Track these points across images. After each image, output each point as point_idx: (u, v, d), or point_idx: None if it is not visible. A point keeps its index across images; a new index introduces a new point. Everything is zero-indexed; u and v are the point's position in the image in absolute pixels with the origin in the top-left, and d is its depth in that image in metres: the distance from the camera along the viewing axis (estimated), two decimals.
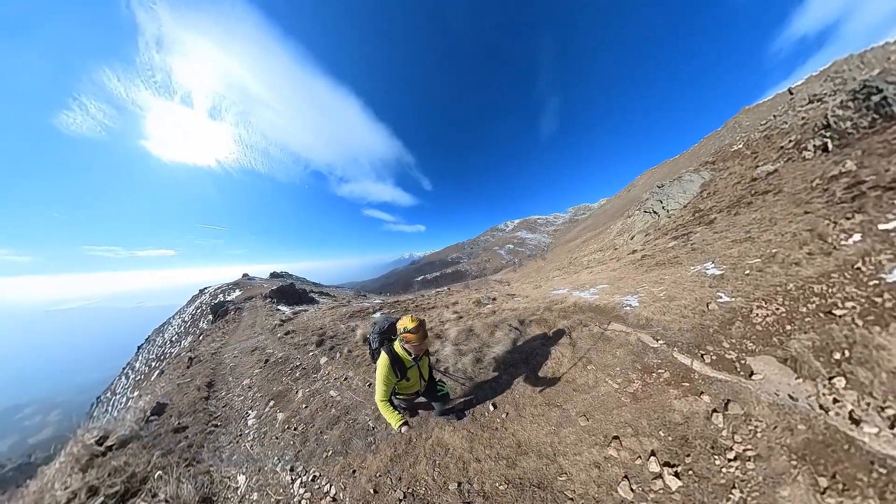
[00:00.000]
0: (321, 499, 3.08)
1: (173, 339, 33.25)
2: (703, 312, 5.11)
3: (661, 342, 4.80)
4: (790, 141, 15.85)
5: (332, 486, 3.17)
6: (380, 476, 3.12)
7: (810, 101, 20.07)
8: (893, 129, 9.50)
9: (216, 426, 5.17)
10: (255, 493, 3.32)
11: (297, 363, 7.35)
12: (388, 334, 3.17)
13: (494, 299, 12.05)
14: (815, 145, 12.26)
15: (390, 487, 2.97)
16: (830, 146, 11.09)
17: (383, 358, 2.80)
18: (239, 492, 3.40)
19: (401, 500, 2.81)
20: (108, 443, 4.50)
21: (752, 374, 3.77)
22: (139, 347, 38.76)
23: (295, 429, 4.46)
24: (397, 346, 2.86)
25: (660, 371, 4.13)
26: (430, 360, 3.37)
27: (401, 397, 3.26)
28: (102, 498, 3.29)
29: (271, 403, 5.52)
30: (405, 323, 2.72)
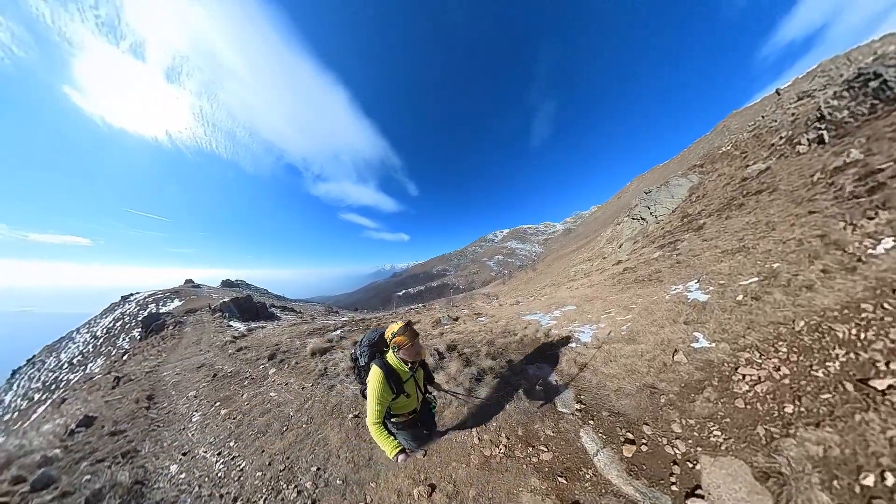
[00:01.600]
0: (233, 471, 3.71)
1: (75, 360, 23.72)
2: (664, 367, 3.56)
3: (576, 407, 3.50)
4: (781, 137, 14.47)
5: (244, 462, 3.83)
6: (276, 454, 3.83)
7: (799, 99, 18.98)
8: None
9: (159, 425, 5.46)
10: (184, 474, 3.85)
11: (247, 375, 7.23)
12: (378, 347, 2.80)
13: (455, 320, 10.49)
14: (809, 139, 10.95)
15: (280, 461, 3.69)
16: (827, 137, 9.81)
17: (375, 372, 2.44)
18: (170, 475, 3.89)
19: (282, 471, 3.52)
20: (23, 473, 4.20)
21: (693, 491, 2.29)
22: (14, 372, 27.75)
23: (234, 419, 5.06)
24: (390, 356, 2.56)
25: (540, 449, 3.07)
26: (427, 371, 3.04)
27: (396, 420, 2.75)
28: None
29: (217, 404, 5.89)
30: (393, 329, 2.52)
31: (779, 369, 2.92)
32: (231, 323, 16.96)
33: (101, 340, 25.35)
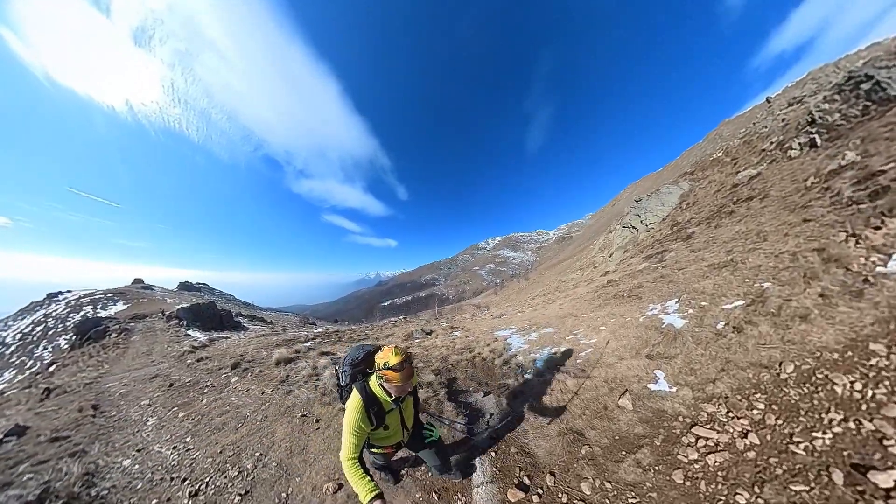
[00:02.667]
0: (186, 459, 3.86)
1: None
2: (602, 412, 2.89)
3: (488, 433, 3.09)
4: (772, 143, 13.85)
5: (198, 452, 4.00)
6: (228, 445, 4.03)
7: (790, 105, 18.59)
8: (894, 109, 7.70)
9: (109, 430, 5.18)
10: (137, 465, 3.89)
11: (208, 384, 6.84)
12: (362, 367, 2.37)
13: (429, 334, 9.76)
14: (800, 143, 10.33)
15: (230, 450, 3.91)
16: (819, 141, 9.18)
17: (354, 399, 2.03)
18: (123, 468, 3.89)
19: (230, 456, 3.76)
20: None
21: None
22: None
23: (192, 420, 4.98)
24: (374, 383, 2.11)
25: None
26: (416, 399, 2.57)
27: (377, 452, 2.39)
28: None
29: (175, 409, 5.70)
30: (386, 356, 2.00)
31: (746, 436, 2.16)
32: (189, 332, 14.47)
33: (13, 349, 21.10)
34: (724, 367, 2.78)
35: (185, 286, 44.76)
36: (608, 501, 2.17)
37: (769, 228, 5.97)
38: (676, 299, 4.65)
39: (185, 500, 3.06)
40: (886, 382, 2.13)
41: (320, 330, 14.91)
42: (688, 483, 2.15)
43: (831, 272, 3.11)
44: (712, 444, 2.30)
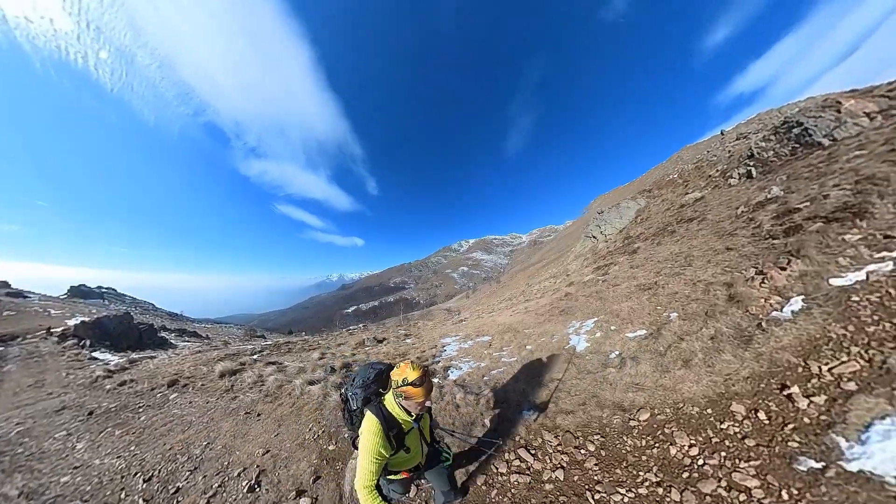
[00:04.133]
0: (134, 460, 3.75)
1: None
2: (463, 428, 2.92)
3: None
4: (717, 170, 14.47)
5: (147, 454, 3.87)
6: (177, 443, 4.03)
7: (737, 138, 19.75)
8: (816, 154, 8.22)
9: (28, 461, 4.44)
10: (80, 478, 3.64)
11: (141, 404, 6.14)
12: (375, 387, 2.07)
13: (381, 342, 9.33)
14: (739, 173, 10.81)
15: (179, 445, 3.97)
16: (754, 173, 9.63)
17: (371, 423, 1.77)
18: (63, 483, 3.65)
19: (179, 449, 3.87)
20: None
21: None
22: None
23: (133, 433, 4.66)
24: (390, 402, 1.88)
25: None
26: (430, 415, 2.26)
27: (394, 479, 2.04)
28: None
29: (108, 430, 5.21)
30: (404, 372, 1.79)
31: (555, 470, 2.11)
32: (96, 354, 11.18)
33: None
34: (585, 402, 2.69)
35: (80, 292, 32.76)
36: None
37: (697, 253, 5.98)
38: (595, 319, 4.47)
39: (140, 485, 3.21)
40: (723, 453, 2.05)
41: (270, 342, 13.17)
42: (484, 487, 2.45)
43: (730, 312, 2.98)
44: (525, 467, 2.45)
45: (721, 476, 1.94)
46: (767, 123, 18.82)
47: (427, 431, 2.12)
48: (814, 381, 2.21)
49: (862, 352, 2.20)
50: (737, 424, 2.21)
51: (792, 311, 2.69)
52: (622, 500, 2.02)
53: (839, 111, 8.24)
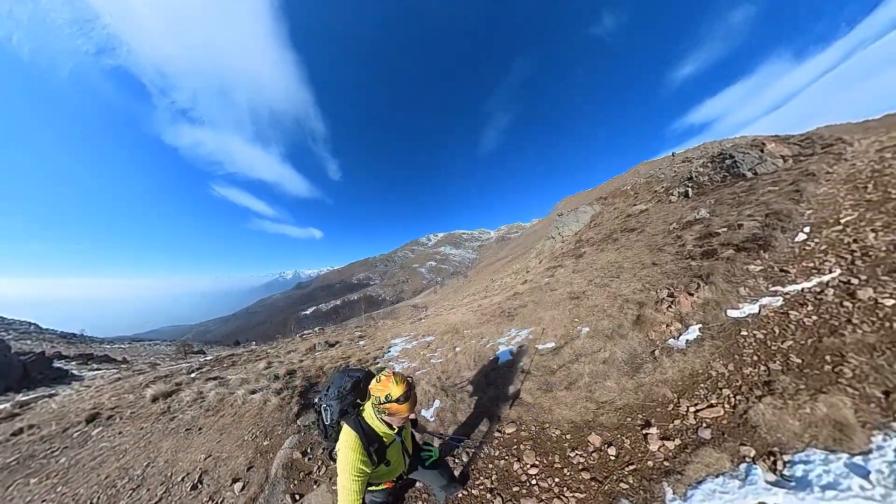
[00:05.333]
0: (65, 498, 3.46)
1: None
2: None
3: None
4: (663, 187, 15.35)
5: (80, 488, 3.57)
6: (113, 470, 3.78)
7: (683, 161, 21.36)
8: (740, 184, 9.02)
9: None
10: None
11: (55, 448, 5.31)
12: (352, 398, 1.84)
13: (333, 345, 8.85)
14: (679, 192, 11.54)
15: (116, 471, 3.75)
16: (690, 193, 10.32)
17: (349, 438, 1.61)
18: None
19: (117, 475, 3.64)
20: None
21: None
22: None
23: (55, 476, 4.14)
24: (369, 415, 1.69)
25: None
26: (413, 421, 1.92)
27: (376, 490, 1.85)
28: None
29: (19, 482, 4.38)
30: (387, 388, 1.59)
31: None
32: None
33: None
34: (471, 410, 2.46)
35: None
36: None
37: (628, 265, 6.13)
38: (527, 328, 4.35)
39: None
40: (557, 479, 2.12)
41: (210, 357, 11.31)
42: None
43: (631, 336, 2.93)
44: None
45: (543, 498, 2.03)
46: (708, 152, 20.54)
47: (409, 440, 1.99)
48: (676, 422, 2.19)
49: (731, 396, 2.19)
50: (584, 455, 2.23)
51: (687, 341, 2.67)
52: (457, 495, 2.26)
53: (762, 150, 9.10)
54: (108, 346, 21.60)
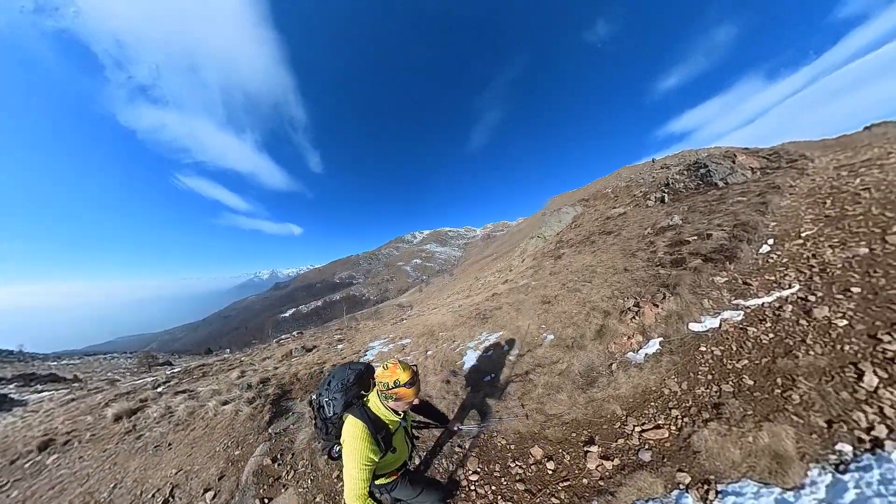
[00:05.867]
0: None
1: None
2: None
3: None
4: (641, 192, 15.63)
5: None
6: (77, 496, 3.59)
7: (662, 168, 21.96)
8: (712, 192, 9.24)
9: None
10: None
11: (5, 482, 4.83)
12: (357, 389, 1.87)
13: (310, 350, 8.53)
14: (656, 197, 11.75)
15: (78, 495, 3.57)
16: (666, 199, 10.51)
17: (356, 427, 1.63)
18: None
19: (81, 500, 3.50)
20: None
21: None
22: None
23: None
24: (374, 404, 1.75)
25: None
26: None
27: (383, 483, 1.87)
28: None
29: None
30: (394, 374, 1.66)
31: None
32: None
33: None
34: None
35: None
36: None
37: (601, 269, 6.10)
38: (499, 332, 4.22)
39: None
40: (493, 487, 2.15)
41: (178, 369, 10.52)
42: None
43: (591, 347, 2.83)
44: None
45: None
46: (685, 160, 21.24)
47: (411, 426, 2.04)
48: (620, 441, 2.12)
49: (679, 417, 2.12)
50: (524, 467, 2.21)
51: (646, 355, 2.59)
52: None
53: (734, 161, 9.35)
54: (55, 364, 18.41)
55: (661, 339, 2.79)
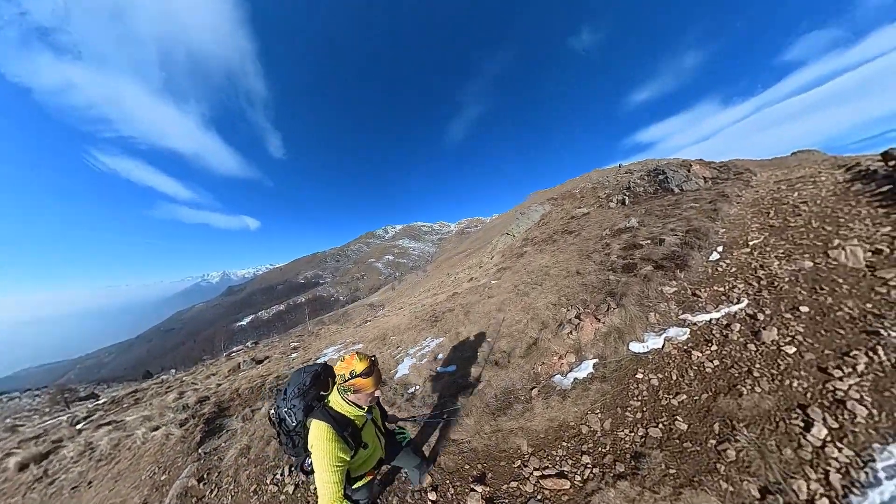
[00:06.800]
0: None
1: None
2: None
3: None
4: (605, 193, 15.88)
5: None
6: None
7: (626, 172, 22.82)
8: (668, 197, 9.43)
9: None
10: None
11: None
12: (315, 391, 1.74)
13: (260, 362, 7.63)
14: (618, 199, 11.89)
15: None
16: (627, 201, 10.65)
17: (321, 430, 1.53)
18: None
19: None
20: None
21: None
22: None
23: None
24: (336, 402, 1.66)
25: None
26: (380, 406, 2.12)
27: (360, 486, 1.78)
28: None
29: None
30: (351, 365, 1.58)
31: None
32: None
33: None
34: None
35: None
36: None
37: (555, 271, 5.74)
38: (441, 340, 3.66)
39: None
40: None
41: (104, 400, 8.73)
42: None
43: (517, 365, 2.35)
44: None
45: None
46: (647, 167, 22.22)
47: (379, 420, 1.90)
48: (514, 484, 1.71)
49: (589, 466, 1.69)
50: (403, 494, 1.96)
51: (575, 379, 2.15)
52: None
53: (689, 170, 9.77)
54: None
55: (595, 360, 2.37)
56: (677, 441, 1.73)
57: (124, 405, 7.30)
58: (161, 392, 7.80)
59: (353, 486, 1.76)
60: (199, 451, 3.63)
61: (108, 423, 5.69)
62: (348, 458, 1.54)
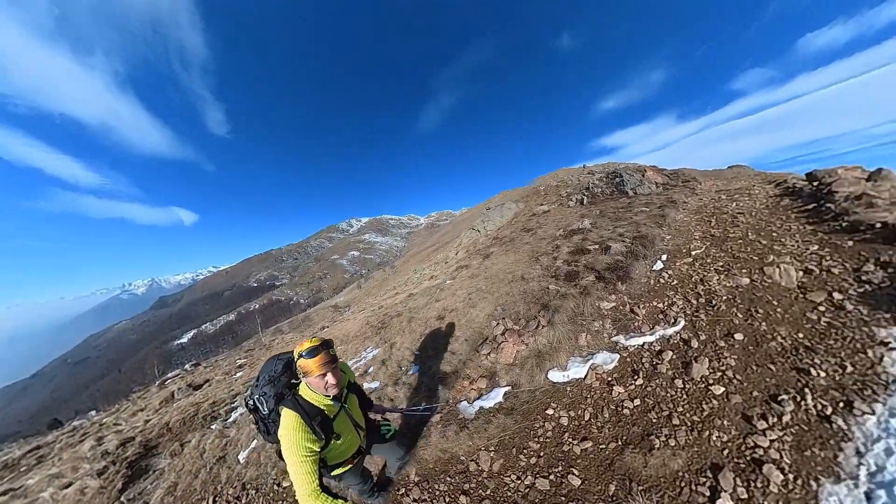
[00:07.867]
0: None
1: None
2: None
3: None
4: (567, 192, 16.13)
5: None
6: None
7: (588, 173, 23.59)
8: (622, 200, 9.64)
9: None
10: None
11: None
12: (286, 379, 1.68)
13: (199, 387, 6.98)
14: (577, 199, 12.04)
15: None
16: (585, 201, 10.80)
17: (289, 418, 1.50)
18: None
19: None
20: None
21: None
22: None
23: None
24: (304, 391, 1.61)
25: None
26: (360, 394, 2.00)
27: (338, 472, 1.74)
28: None
29: None
30: (301, 348, 1.54)
31: None
32: None
33: None
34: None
35: None
36: None
37: (502, 275, 5.33)
38: (377, 351, 3.06)
39: None
40: None
41: None
42: None
43: (429, 385, 1.86)
44: None
45: None
46: (607, 169, 23.16)
47: (357, 411, 1.80)
48: None
49: None
50: None
51: (479, 409, 1.78)
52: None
53: (644, 175, 10.15)
54: None
55: (508, 388, 1.98)
56: (563, 499, 1.36)
57: (22, 468, 5.62)
58: (74, 442, 6.20)
59: (333, 473, 1.73)
60: (122, 498, 3.34)
61: (3, 494, 4.68)
62: (317, 449, 1.48)
